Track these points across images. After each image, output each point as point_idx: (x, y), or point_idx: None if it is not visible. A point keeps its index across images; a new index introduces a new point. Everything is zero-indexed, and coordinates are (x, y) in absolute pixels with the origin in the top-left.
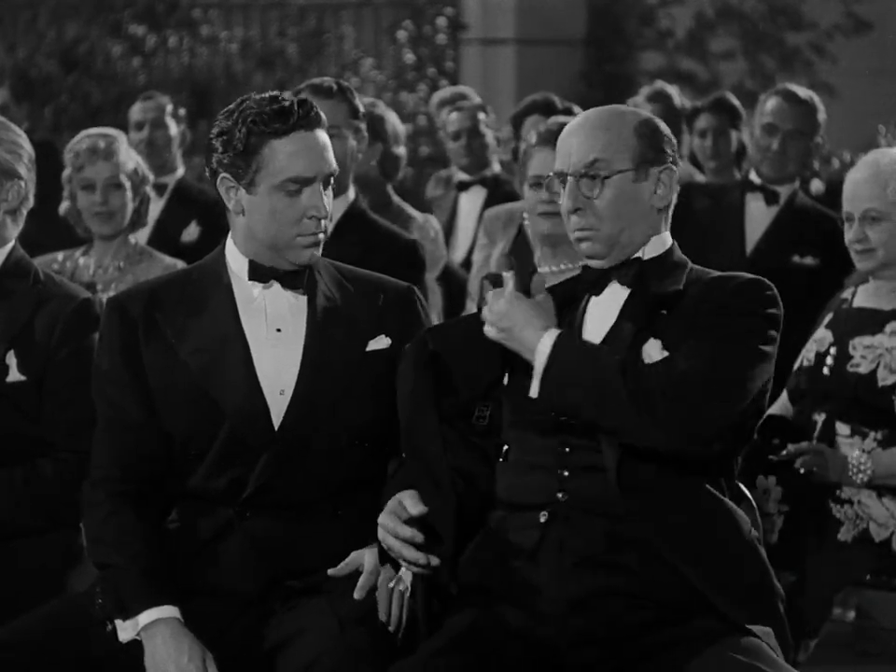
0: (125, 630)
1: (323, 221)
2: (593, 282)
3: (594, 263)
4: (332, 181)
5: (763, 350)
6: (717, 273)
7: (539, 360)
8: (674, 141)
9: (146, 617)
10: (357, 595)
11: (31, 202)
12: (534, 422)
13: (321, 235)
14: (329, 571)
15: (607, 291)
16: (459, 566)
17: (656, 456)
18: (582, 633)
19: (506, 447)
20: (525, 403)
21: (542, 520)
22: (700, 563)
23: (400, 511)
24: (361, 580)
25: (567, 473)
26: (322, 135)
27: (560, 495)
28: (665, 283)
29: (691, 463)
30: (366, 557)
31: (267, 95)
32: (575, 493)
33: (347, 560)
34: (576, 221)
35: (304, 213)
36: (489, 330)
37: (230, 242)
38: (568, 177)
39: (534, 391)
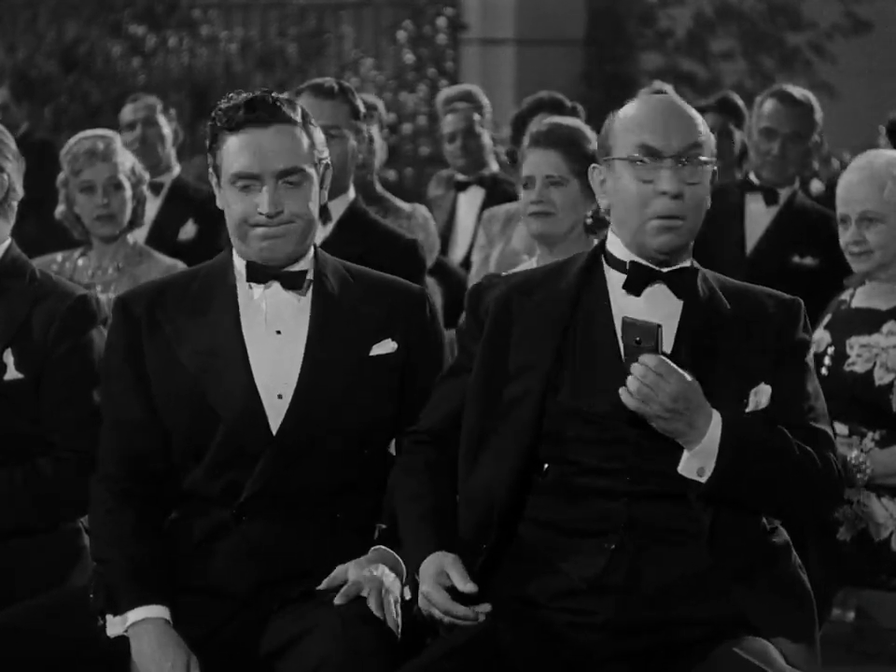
0: (114, 626)
1: (277, 218)
2: (634, 279)
3: (643, 261)
4: (295, 179)
5: None
6: (749, 288)
7: (711, 445)
8: None
9: (134, 615)
10: (337, 601)
11: (19, 193)
12: (592, 444)
13: (280, 227)
14: (319, 588)
15: (647, 293)
16: (497, 581)
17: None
18: (631, 650)
19: (546, 465)
20: (573, 426)
21: (606, 546)
22: (754, 591)
23: (445, 580)
24: (343, 589)
25: (631, 500)
26: (279, 131)
27: (625, 522)
28: (711, 300)
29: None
30: (350, 571)
31: (240, 94)
32: (641, 521)
33: (333, 574)
34: (673, 207)
35: (254, 208)
36: (648, 409)
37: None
38: (667, 159)
39: (689, 470)
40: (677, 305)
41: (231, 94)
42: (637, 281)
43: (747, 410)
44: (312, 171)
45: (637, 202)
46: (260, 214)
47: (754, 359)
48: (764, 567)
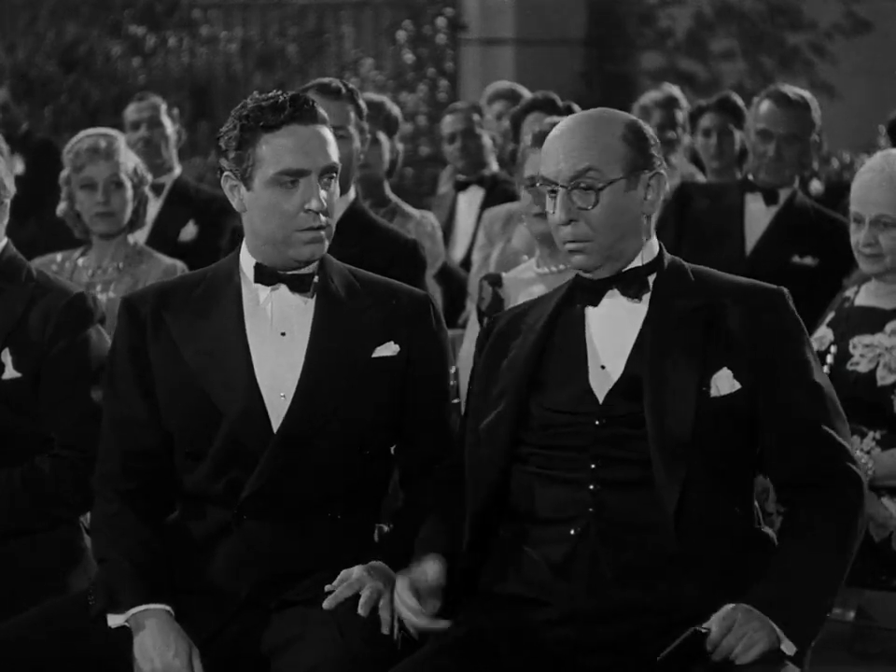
0: (115, 617)
1: (323, 216)
2: (589, 291)
3: (587, 274)
4: (334, 175)
5: None
6: (729, 280)
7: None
8: (659, 144)
9: (136, 610)
10: (361, 611)
11: (10, 190)
12: (558, 436)
13: (322, 232)
14: (326, 588)
15: (606, 302)
16: (473, 577)
17: (705, 487)
18: (604, 640)
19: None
20: (547, 418)
21: (573, 532)
22: (731, 585)
23: (421, 579)
24: (364, 596)
25: (597, 487)
26: (319, 130)
27: (591, 509)
28: (680, 294)
29: (732, 489)
30: (354, 574)
31: (267, 94)
32: (607, 507)
33: (340, 576)
34: (568, 232)
35: (301, 206)
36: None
37: (244, 243)
38: (559, 188)
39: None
40: (641, 304)
41: (259, 97)
42: (584, 292)
43: (710, 396)
44: (338, 169)
45: (553, 227)
46: (308, 211)
47: (715, 346)
48: (738, 558)
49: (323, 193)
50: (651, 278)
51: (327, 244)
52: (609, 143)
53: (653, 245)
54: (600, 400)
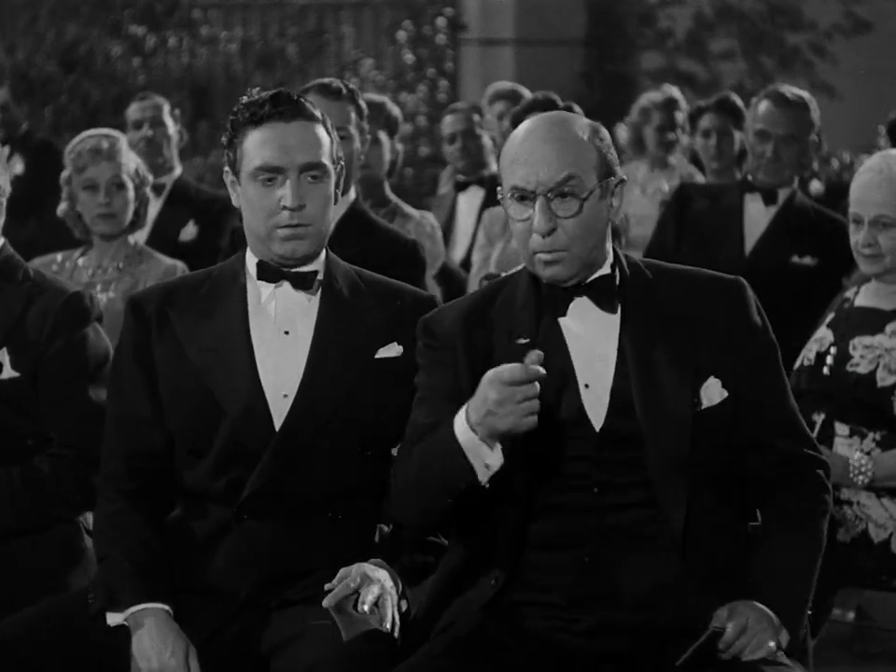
0: (114, 616)
1: (300, 214)
2: (560, 300)
3: (562, 284)
4: (319, 174)
5: None
6: (686, 272)
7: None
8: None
9: (134, 610)
10: (361, 609)
11: (6, 190)
12: (559, 463)
13: (300, 229)
14: (326, 586)
15: (577, 311)
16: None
17: (705, 496)
18: (612, 646)
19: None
20: (546, 447)
21: (582, 559)
22: (740, 592)
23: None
24: (363, 594)
25: (601, 512)
26: (303, 127)
27: (597, 534)
28: (647, 297)
29: (730, 495)
30: (353, 572)
31: (259, 92)
32: (612, 531)
33: (339, 575)
34: (545, 243)
35: (278, 203)
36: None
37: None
38: (538, 196)
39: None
40: (613, 313)
41: (251, 91)
42: (555, 301)
43: (701, 408)
44: (331, 168)
45: (521, 238)
46: (284, 208)
47: (699, 353)
48: (742, 564)
49: (303, 191)
50: (617, 281)
51: (309, 242)
52: (583, 150)
53: (611, 251)
54: (596, 428)
